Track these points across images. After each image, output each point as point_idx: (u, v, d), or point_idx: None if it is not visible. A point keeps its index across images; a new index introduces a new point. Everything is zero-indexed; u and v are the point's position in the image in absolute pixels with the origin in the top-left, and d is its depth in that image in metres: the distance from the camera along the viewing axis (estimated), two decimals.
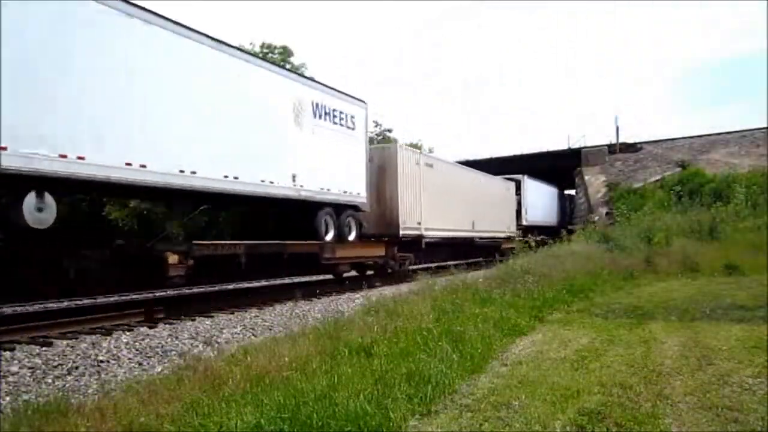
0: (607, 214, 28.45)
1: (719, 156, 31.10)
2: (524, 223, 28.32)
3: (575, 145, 38.73)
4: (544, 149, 38.64)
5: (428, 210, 17.27)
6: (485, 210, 22.91)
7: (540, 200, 32.51)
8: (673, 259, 14.30)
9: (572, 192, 39.76)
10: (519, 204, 28.15)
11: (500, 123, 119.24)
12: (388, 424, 3.72)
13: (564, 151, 38.23)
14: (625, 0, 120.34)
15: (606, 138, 38.47)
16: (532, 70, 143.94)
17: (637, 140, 36.62)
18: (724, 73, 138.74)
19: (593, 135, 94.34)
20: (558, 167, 36.46)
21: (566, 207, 39.65)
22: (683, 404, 4.12)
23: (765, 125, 32.11)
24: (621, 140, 36.54)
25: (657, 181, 29.86)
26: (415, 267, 17.76)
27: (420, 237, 16.93)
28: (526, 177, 29.39)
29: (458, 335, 6.28)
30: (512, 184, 27.58)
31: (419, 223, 16.72)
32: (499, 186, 26.09)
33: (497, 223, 24.56)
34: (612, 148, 35.91)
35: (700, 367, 5.16)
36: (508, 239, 24.84)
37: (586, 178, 33.32)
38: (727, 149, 31.92)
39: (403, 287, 12.53)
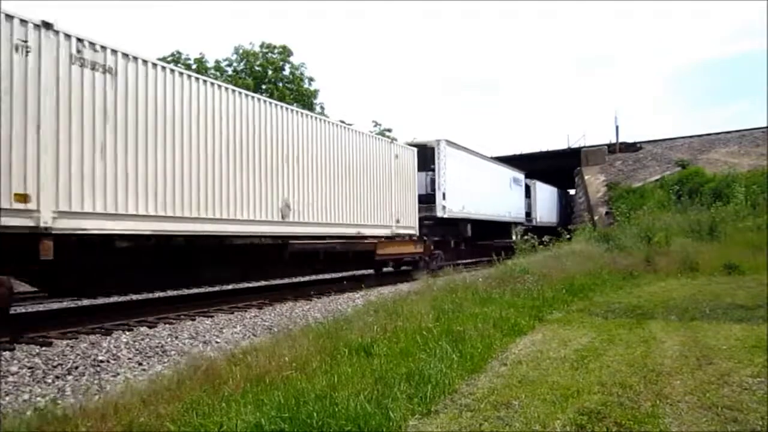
0: (606, 213, 28.40)
1: (719, 155, 31.09)
2: (441, 214, 18.31)
3: (575, 145, 38.80)
4: (544, 149, 38.70)
5: (94, 169, 7.77)
6: (329, 188, 12.85)
7: (478, 184, 21.82)
8: (673, 258, 14.29)
9: (563, 189, 37.78)
10: (433, 186, 18.28)
11: (500, 123, 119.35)
12: (388, 424, 3.72)
13: (564, 151, 38.26)
14: (625, 0, 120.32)
15: (606, 137, 38.53)
16: (531, 70, 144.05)
17: (637, 140, 36.67)
18: (724, 72, 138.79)
19: (593, 134, 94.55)
20: (558, 167, 36.48)
21: (548, 203, 33.57)
22: (683, 404, 4.12)
23: (765, 124, 32.15)
24: (621, 140, 36.60)
25: (657, 180, 29.86)
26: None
27: (31, 234, 7.02)
28: (443, 143, 18.70)
29: (458, 335, 6.29)
30: (410, 153, 16.80)
31: (25, 199, 6.93)
32: (377, 150, 14.93)
33: (367, 214, 14.21)
34: (612, 148, 35.93)
35: (700, 366, 5.16)
36: (404, 242, 15.91)
37: (586, 177, 33.31)
38: (727, 149, 31.91)
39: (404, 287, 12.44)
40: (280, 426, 3.67)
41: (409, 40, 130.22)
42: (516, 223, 27.12)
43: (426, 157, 18.07)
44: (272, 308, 10.44)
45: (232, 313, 9.70)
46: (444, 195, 18.53)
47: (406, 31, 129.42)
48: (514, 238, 24.72)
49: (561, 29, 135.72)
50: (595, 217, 28.14)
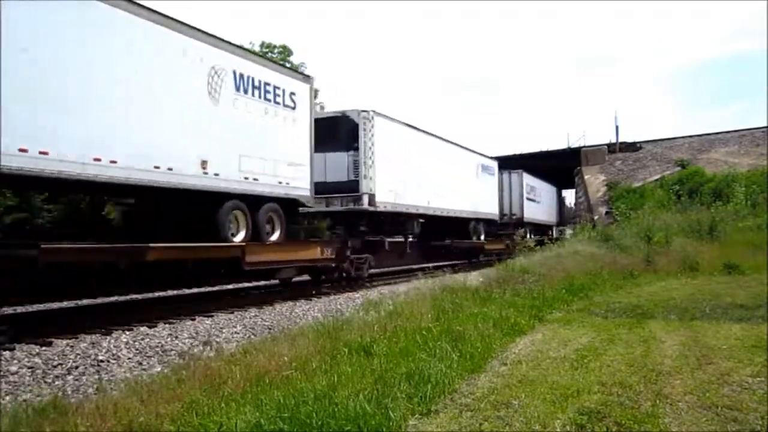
0: (606, 213, 28.38)
1: (719, 155, 31.06)
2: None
3: (575, 145, 38.69)
4: (544, 149, 38.62)
5: None
6: None
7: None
8: (673, 258, 14.31)
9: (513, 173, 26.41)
10: None
11: (500, 123, 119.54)
12: (388, 424, 3.71)
13: (563, 151, 38.17)
14: (625, 0, 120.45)
15: (606, 137, 38.49)
16: (531, 70, 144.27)
17: (637, 140, 36.62)
18: (724, 72, 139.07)
19: (593, 134, 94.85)
20: (558, 167, 36.43)
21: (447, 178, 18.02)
22: (683, 403, 4.12)
23: (765, 124, 32.13)
24: (621, 140, 36.55)
25: (657, 180, 29.84)
26: None
27: None
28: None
29: (458, 335, 6.29)
30: None
31: None
32: None
33: None
34: (612, 148, 35.89)
35: (700, 366, 5.16)
36: None
37: (586, 177, 33.28)
38: (727, 148, 31.89)
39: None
40: (280, 426, 3.66)
41: (409, 40, 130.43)
42: (268, 199, 10.86)
43: None
44: (272, 308, 10.42)
45: (232, 313, 9.68)
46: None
47: (406, 31, 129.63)
48: (276, 236, 11.16)
49: (561, 29, 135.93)
50: (595, 217, 28.12)
